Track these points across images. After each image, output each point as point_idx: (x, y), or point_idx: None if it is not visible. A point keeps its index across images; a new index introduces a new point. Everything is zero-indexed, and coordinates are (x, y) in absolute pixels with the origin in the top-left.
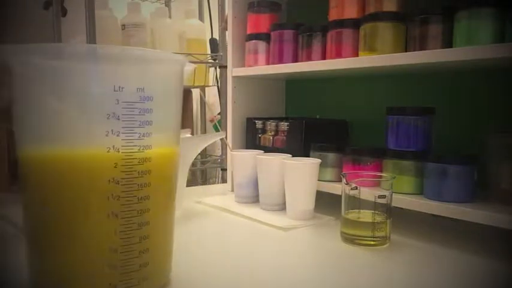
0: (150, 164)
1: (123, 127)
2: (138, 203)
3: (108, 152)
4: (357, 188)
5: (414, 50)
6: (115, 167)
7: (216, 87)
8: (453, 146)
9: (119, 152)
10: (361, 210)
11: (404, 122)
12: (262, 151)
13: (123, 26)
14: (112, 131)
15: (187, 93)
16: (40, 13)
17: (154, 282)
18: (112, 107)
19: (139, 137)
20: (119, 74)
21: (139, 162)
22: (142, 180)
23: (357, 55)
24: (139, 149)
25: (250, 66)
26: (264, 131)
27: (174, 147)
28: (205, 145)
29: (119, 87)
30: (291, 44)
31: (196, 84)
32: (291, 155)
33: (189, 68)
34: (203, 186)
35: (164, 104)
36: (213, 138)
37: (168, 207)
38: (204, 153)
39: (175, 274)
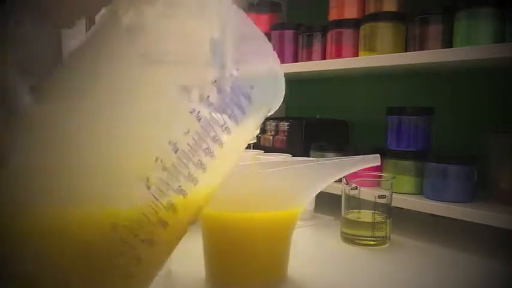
0: None
1: None
2: None
3: None
4: (357, 188)
5: (414, 50)
6: None
7: None
8: (453, 146)
9: None
10: (361, 210)
11: (404, 122)
12: (262, 151)
13: None
14: None
15: None
16: None
17: None
18: None
19: None
20: None
21: None
22: None
23: (357, 55)
24: None
25: None
26: (264, 131)
27: None
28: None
29: None
30: (291, 44)
31: None
32: (291, 155)
33: None
34: None
35: None
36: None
37: None
38: None
39: None
